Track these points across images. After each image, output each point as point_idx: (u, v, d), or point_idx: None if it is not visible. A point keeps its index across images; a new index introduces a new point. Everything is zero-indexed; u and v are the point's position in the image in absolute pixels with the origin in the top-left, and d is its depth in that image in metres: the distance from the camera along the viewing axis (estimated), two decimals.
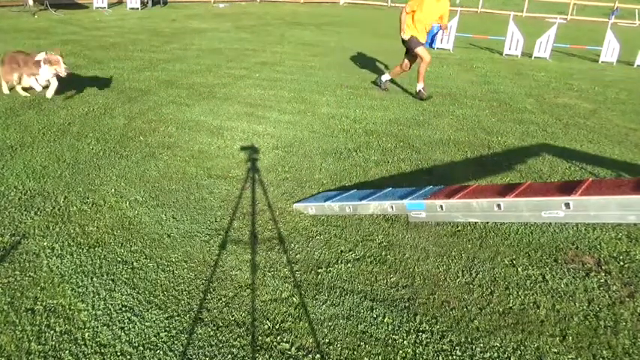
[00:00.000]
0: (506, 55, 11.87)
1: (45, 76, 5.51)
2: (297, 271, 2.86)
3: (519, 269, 2.98)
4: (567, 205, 2.38)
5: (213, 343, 2.30)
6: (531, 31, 12.84)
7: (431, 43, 12.57)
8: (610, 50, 11.74)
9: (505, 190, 2.77)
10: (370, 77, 8.18)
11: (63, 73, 5.43)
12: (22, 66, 5.55)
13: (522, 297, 2.72)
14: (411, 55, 6.89)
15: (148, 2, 17.55)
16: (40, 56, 5.45)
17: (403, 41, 6.91)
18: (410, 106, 6.61)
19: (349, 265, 2.95)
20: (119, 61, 8.09)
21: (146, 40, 10.34)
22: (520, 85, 8.32)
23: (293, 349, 2.29)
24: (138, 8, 16.32)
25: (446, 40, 12.23)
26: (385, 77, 7.44)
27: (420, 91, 6.90)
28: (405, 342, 2.36)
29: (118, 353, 2.20)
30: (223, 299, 2.59)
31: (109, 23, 12.74)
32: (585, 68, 10.83)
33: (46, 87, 5.65)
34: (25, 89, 5.80)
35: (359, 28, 15.76)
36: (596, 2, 23.84)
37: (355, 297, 2.66)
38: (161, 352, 2.22)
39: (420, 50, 6.70)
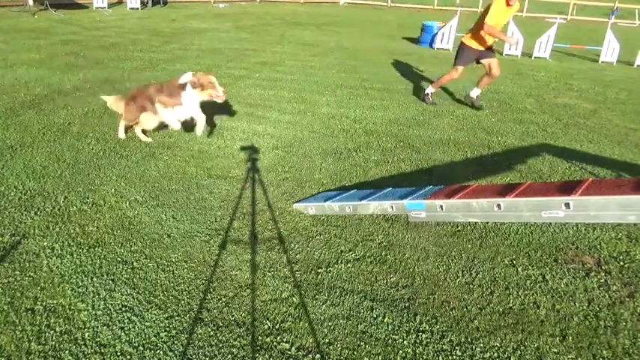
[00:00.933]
0: (506, 55, 11.86)
1: (190, 106, 4.27)
2: (297, 271, 2.86)
3: (519, 269, 2.98)
4: (567, 205, 2.38)
5: (213, 343, 2.30)
6: (531, 31, 12.84)
7: (431, 43, 12.59)
8: (610, 50, 11.74)
9: (505, 190, 2.77)
10: (370, 77, 8.17)
11: (221, 99, 4.20)
12: (155, 98, 4.37)
13: (522, 297, 2.72)
14: (489, 57, 6.29)
15: (148, 2, 17.55)
16: (185, 78, 4.24)
17: (461, 44, 6.34)
18: (410, 106, 6.61)
19: (349, 265, 2.95)
20: (119, 61, 8.09)
21: (146, 40, 10.34)
22: (520, 85, 8.32)
23: (293, 349, 2.29)
24: (138, 8, 16.32)
25: (446, 40, 12.24)
26: (475, 92, 6.61)
27: (428, 94, 6.74)
28: (405, 342, 2.36)
29: (118, 353, 2.20)
30: (223, 299, 2.59)
31: (109, 23, 12.74)
32: (585, 68, 10.83)
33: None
34: (144, 132, 4.67)
35: (359, 28, 15.76)
36: (596, 2, 23.84)
37: (355, 297, 2.66)
38: (161, 352, 2.22)
39: (459, 67, 6.34)
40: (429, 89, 6.77)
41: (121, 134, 4.72)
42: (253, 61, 8.99)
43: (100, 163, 4.13)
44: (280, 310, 2.53)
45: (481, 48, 6.22)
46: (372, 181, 4.16)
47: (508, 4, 5.90)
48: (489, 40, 6.18)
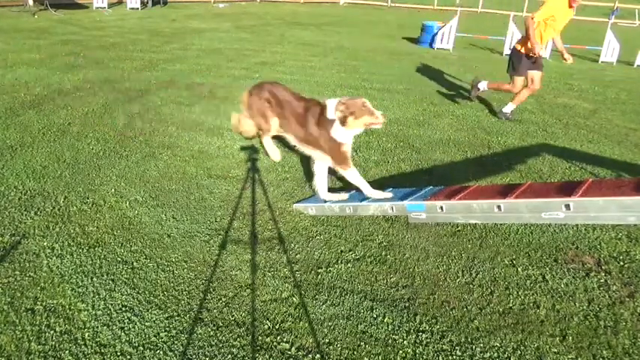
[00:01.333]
0: (506, 55, 11.85)
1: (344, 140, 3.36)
2: (297, 271, 2.86)
3: (519, 269, 2.98)
4: (567, 206, 2.38)
5: (213, 343, 2.30)
6: None
7: (431, 43, 12.59)
8: (610, 50, 11.75)
9: (505, 191, 2.77)
10: (370, 77, 8.17)
11: (381, 124, 3.31)
12: (292, 120, 3.50)
13: (522, 297, 2.72)
14: (536, 68, 5.83)
15: (148, 2, 17.56)
16: (332, 108, 3.28)
17: (514, 51, 5.91)
18: (410, 106, 6.61)
19: (349, 265, 2.95)
20: (119, 61, 8.09)
21: (146, 40, 10.34)
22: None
23: (293, 349, 2.29)
24: (138, 8, 16.33)
25: (446, 40, 12.24)
26: (509, 108, 6.17)
27: (479, 88, 6.40)
28: (405, 342, 2.36)
29: (118, 353, 2.20)
30: (223, 299, 2.59)
31: (109, 23, 12.74)
32: (585, 68, 10.83)
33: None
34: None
35: (359, 28, 15.76)
36: (596, 2, 23.85)
37: (355, 297, 2.66)
38: (161, 352, 2.22)
39: (517, 79, 5.86)
40: (483, 84, 6.38)
41: (274, 154, 3.87)
42: (253, 61, 8.99)
43: (100, 163, 4.12)
44: (280, 310, 2.53)
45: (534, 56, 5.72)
46: (372, 181, 4.14)
47: (570, 5, 5.45)
48: (543, 43, 5.69)
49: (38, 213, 3.29)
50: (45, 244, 2.95)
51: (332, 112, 3.28)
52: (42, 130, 4.75)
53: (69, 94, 6.00)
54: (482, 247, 3.20)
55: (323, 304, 2.60)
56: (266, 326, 2.42)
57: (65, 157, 4.20)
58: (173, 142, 4.72)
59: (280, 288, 2.71)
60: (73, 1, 15.88)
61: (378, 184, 4.05)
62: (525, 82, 5.95)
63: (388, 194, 3.38)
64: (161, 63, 8.16)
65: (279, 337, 2.35)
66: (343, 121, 3.24)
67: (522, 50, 5.79)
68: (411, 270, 2.93)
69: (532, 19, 5.51)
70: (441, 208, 2.93)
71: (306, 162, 4.47)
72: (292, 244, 3.14)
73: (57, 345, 2.21)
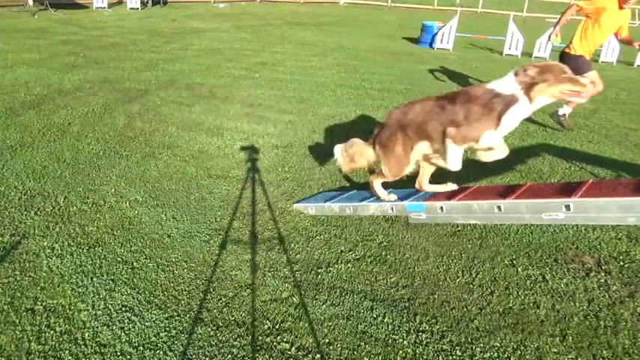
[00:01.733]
0: (506, 55, 11.87)
1: (507, 128, 2.77)
2: (297, 271, 2.86)
3: (519, 269, 2.98)
4: (567, 207, 2.39)
5: (213, 343, 2.30)
6: (531, 31, 12.84)
7: (431, 43, 12.59)
8: (610, 50, 11.75)
9: (505, 192, 2.77)
10: (370, 77, 8.17)
11: (586, 96, 2.71)
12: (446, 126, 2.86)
13: (522, 297, 2.72)
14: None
15: (148, 2, 17.56)
16: (508, 83, 2.72)
17: (566, 56, 5.66)
18: None
19: (349, 265, 2.95)
20: (119, 61, 8.09)
21: (146, 40, 10.34)
22: None
23: (293, 349, 2.29)
24: (138, 8, 16.33)
25: (446, 40, 12.24)
26: (565, 110, 5.80)
27: (564, 115, 5.79)
28: (405, 342, 2.36)
29: (118, 353, 2.20)
30: (223, 299, 2.59)
31: (109, 23, 12.74)
32: None
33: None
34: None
35: (359, 28, 15.76)
36: None
37: (355, 297, 2.66)
38: (161, 352, 2.22)
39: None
40: (567, 109, 5.78)
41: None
42: (253, 61, 8.99)
43: (100, 163, 4.12)
44: (280, 310, 2.53)
45: (590, 57, 5.55)
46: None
47: (620, 7, 5.21)
48: (595, 49, 5.53)
49: (38, 213, 3.29)
50: (45, 244, 2.95)
51: (510, 86, 2.71)
52: (42, 130, 4.75)
53: (69, 94, 6.00)
54: (482, 247, 3.20)
55: (323, 304, 2.60)
56: (266, 326, 2.42)
57: (65, 157, 4.20)
58: (173, 142, 4.72)
59: (280, 288, 2.71)
60: (73, 1, 15.88)
61: None
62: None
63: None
64: (161, 63, 8.16)
65: (279, 337, 2.35)
66: (529, 88, 2.64)
67: (579, 53, 5.59)
68: (411, 270, 2.93)
69: (576, 2, 5.41)
70: (441, 208, 2.93)
71: (307, 162, 4.46)
72: (292, 244, 3.14)
73: (57, 345, 2.21)
